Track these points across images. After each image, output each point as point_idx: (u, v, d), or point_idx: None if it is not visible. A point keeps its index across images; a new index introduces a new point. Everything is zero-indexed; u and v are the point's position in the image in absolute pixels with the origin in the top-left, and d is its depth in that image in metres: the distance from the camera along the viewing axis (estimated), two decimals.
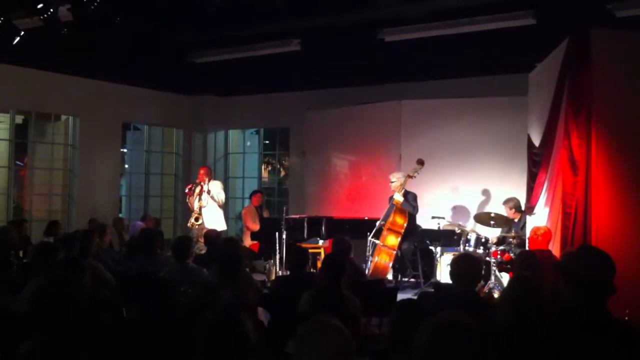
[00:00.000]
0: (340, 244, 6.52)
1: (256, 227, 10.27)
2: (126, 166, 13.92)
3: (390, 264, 8.44)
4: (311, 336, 2.38)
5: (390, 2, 8.57)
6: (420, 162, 8.67)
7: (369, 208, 10.03)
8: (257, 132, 14.43)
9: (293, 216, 9.91)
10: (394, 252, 8.41)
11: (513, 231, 8.26)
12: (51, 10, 7.69)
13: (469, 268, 4.13)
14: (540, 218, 7.26)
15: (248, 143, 14.79)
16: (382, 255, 8.37)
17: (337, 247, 6.54)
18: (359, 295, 4.75)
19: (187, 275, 5.65)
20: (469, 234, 8.62)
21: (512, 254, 7.69)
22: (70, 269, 4.64)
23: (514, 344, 2.94)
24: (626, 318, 4.24)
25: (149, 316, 3.94)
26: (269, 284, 7.42)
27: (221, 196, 9.86)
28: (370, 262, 8.48)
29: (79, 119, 11.55)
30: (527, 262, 5.25)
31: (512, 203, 8.63)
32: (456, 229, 8.79)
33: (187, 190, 9.97)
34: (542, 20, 8.31)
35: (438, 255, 8.88)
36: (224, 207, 10.49)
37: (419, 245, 9.06)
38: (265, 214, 11.03)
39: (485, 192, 9.89)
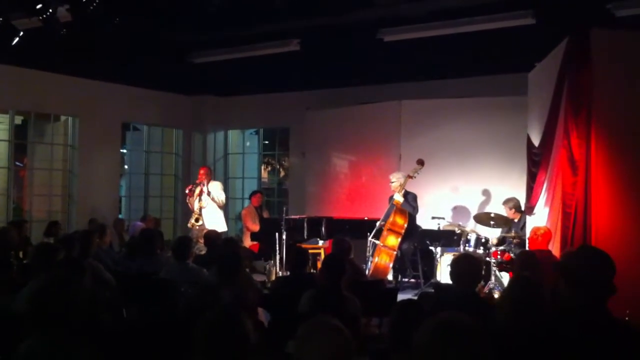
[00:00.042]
0: (340, 244, 6.52)
1: (256, 227, 10.27)
2: (126, 167, 13.92)
3: (391, 265, 8.43)
4: (311, 336, 2.38)
5: (389, 2, 8.58)
6: (420, 163, 8.67)
7: (368, 208, 10.02)
8: (257, 133, 14.43)
9: (293, 216, 9.91)
10: (394, 252, 8.41)
11: (513, 231, 8.26)
12: (50, 10, 7.69)
13: (469, 268, 4.13)
14: (540, 218, 7.26)
15: (248, 143, 14.79)
16: (383, 255, 8.37)
17: (337, 248, 6.54)
18: (359, 295, 4.75)
19: (187, 276, 5.65)
20: (469, 234, 8.62)
21: (512, 254, 7.68)
22: (70, 269, 4.64)
23: (514, 344, 2.93)
24: (626, 318, 4.24)
25: (149, 316, 3.94)
26: (269, 285, 7.42)
27: (221, 197, 9.85)
28: (371, 262, 8.48)
29: (79, 119, 11.55)
30: (527, 262, 5.25)
31: (512, 203, 8.62)
32: (456, 229, 8.79)
33: (187, 191, 9.96)
34: (542, 20, 8.32)
35: (438, 256, 8.87)
36: (224, 207, 10.49)
37: (419, 245, 9.06)
38: (265, 215, 11.02)
39: (485, 192, 9.88)
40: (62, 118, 11.63)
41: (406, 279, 9.34)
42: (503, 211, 8.62)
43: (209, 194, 9.62)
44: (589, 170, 6.16)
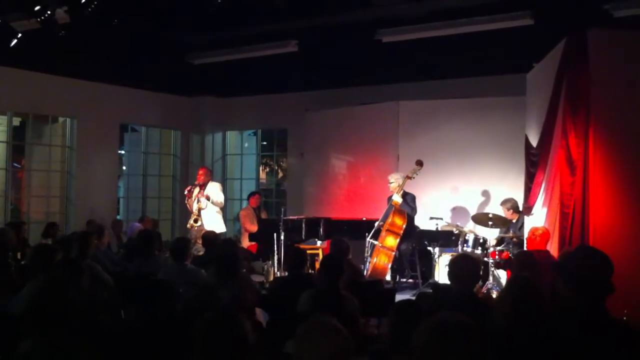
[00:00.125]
0: (339, 244, 6.52)
1: (254, 228, 10.26)
2: (124, 168, 13.90)
3: (389, 265, 8.43)
4: (310, 336, 2.38)
5: (387, 2, 8.58)
6: (419, 163, 8.67)
7: (367, 209, 10.02)
8: (255, 134, 14.43)
9: (291, 217, 9.91)
10: (393, 253, 8.41)
11: (511, 232, 8.27)
12: (48, 12, 7.69)
13: (467, 269, 4.12)
14: (538, 218, 7.27)
15: (246, 144, 14.79)
16: (381, 256, 8.36)
17: (336, 248, 6.53)
18: (357, 296, 4.75)
19: (185, 277, 5.64)
20: (467, 235, 8.62)
21: (510, 253, 7.69)
22: (68, 270, 4.64)
23: (513, 345, 2.93)
24: (624, 318, 4.24)
25: (147, 317, 3.93)
26: (267, 285, 7.42)
27: (221, 198, 9.82)
28: (369, 263, 8.48)
29: (77, 120, 11.54)
30: (526, 262, 5.24)
31: (510, 204, 8.62)
32: (454, 229, 8.79)
33: (186, 192, 9.94)
34: (540, 20, 8.34)
35: (436, 256, 8.87)
36: (223, 208, 10.47)
37: (417, 245, 9.06)
38: (263, 215, 11.02)
39: (484, 193, 9.89)
40: (60, 119, 11.62)
41: (404, 280, 9.34)
42: (501, 212, 8.62)
43: (208, 198, 9.58)
44: (587, 170, 6.17)
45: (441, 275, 8.55)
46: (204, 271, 5.91)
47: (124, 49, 9.91)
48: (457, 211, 9.98)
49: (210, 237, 7.64)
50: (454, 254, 7.88)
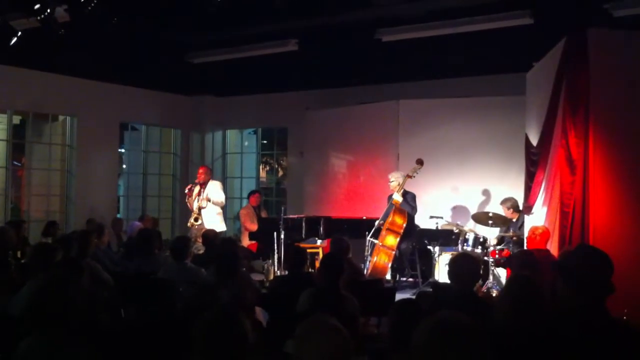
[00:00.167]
0: (339, 243, 6.51)
1: (254, 227, 10.25)
2: (124, 166, 13.90)
3: (389, 264, 8.42)
4: (310, 336, 2.38)
5: (387, 2, 8.59)
6: (420, 162, 8.66)
7: (366, 208, 10.02)
8: (255, 132, 14.42)
9: (291, 216, 9.90)
10: (393, 252, 8.40)
11: (511, 231, 8.27)
12: (48, 10, 7.69)
13: (468, 268, 4.12)
14: (538, 217, 7.27)
15: (246, 143, 14.78)
16: (381, 255, 8.36)
17: (336, 247, 6.53)
18: (357, 295, 4.74)
19: (185, 276, 5.65)
20: (467, 234, 8.62)
21: (510, 251, 7.70)
22: (68, 269, 4.65)
23: (513, 344, 2.93)
24: (624, 317, 4.24)
25: (147, 316, 3.94)
26: (267, 284, 7.42)
27: (221, 198, 9.80)
28: (369, 262, 8.48)
29: (77, 119, 11.53)
30: (526, 261, 5.25)
31: (510, 203, 8.62)
32: (454, 228, 8.79)
33: (186, 191, 9.93)
34: (540, 20, 8.34)
35: (436, 255, 8.86)
36: (223, 207, 10.46)
37: (417, 244, 9.06)
38: (264, 214, 11.01)
39: (484, 192, 9.89)
40: (60, 118, 11.63)
41: (404, 279, 9.34)
42: (501, 211, 8.62)
43: (209, 200, 9.58)
44: (587, 169, 6.17)
45: (441, 274, 8.55)
46: (204, 270, 5.91)
47: (124, 48, 9.91)
48: (457, 210, 9.98)
49: (210, 236, 7.64)
50: (454, 253, 7.88)
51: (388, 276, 8.70)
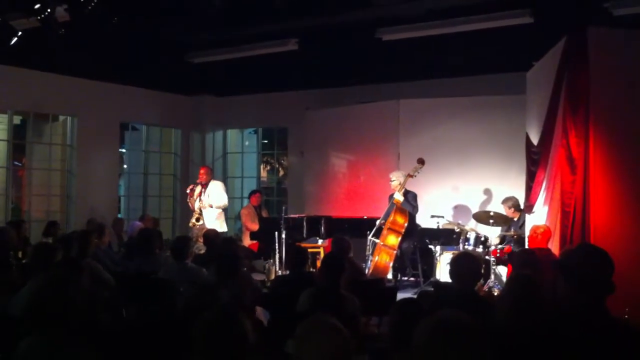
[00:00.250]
0: (340, 243, 6.51)
1: (255, 226, 10.25)
2: (124, 166, 13.91)
3: (391, 264, 8.42)
4: (310, 336, 2.38)
5: (387, 2, 8.59)
6: (421, 162, 8.66)
7: (367, 207, 10.02)
8: (256, 132, 14.42)
9: (292, 216, 9.90)
10: (394, 251, 8.39)
11: (512, 230, 8.27)
12: (48, 10, 7.69)
13: (469, 267, 4.12)
14: (539, 217, 7.27)
15: (246, 143, 14.79)
16: (382, 254, 8.35)
17: (337, 247, 6.53)
18: (358, 294, 4.74)
19: (186, 275, 5.65)
20: (469, 233, 8.61)
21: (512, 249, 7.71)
22: (68, 269, 4.64)
23: (514, 343, 2.93)
24: (625, 316, 4.24)
25: (147, 316, 3.93)
26: (268, 284, 7.42)
27: (224, 200, 9.77)
28: (370, 261, 8.47)
29: (77, 119, 11.53)
30: (527, 260, 5.24)
31: (511, 202, 8.62)
32: (455, 228, 8.78)
33: (188, 191, 9.93)
34: (540, 19, 8.34)
35: (437, 254, 8.86)
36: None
37: (418, 244, 9.05)
38: (264, 214, 11.01)
39: (485, 191, 9.88)
40: (61, 118, 11.62)
41: (406, 278, 9.33)
42: (502, 210, 8.62)
43: (210, 206, 9.57)
44: (588, 168, 6.17)
45: (442, 273, 8.55)
46: (205, 270, 5.91)
47: (124, 48, 9.90)
48: (458, 209, 9.97)
49: (211, 236, 7.64)
50: (455, 252, 7.88)
51: (389, 276, 8.69)
